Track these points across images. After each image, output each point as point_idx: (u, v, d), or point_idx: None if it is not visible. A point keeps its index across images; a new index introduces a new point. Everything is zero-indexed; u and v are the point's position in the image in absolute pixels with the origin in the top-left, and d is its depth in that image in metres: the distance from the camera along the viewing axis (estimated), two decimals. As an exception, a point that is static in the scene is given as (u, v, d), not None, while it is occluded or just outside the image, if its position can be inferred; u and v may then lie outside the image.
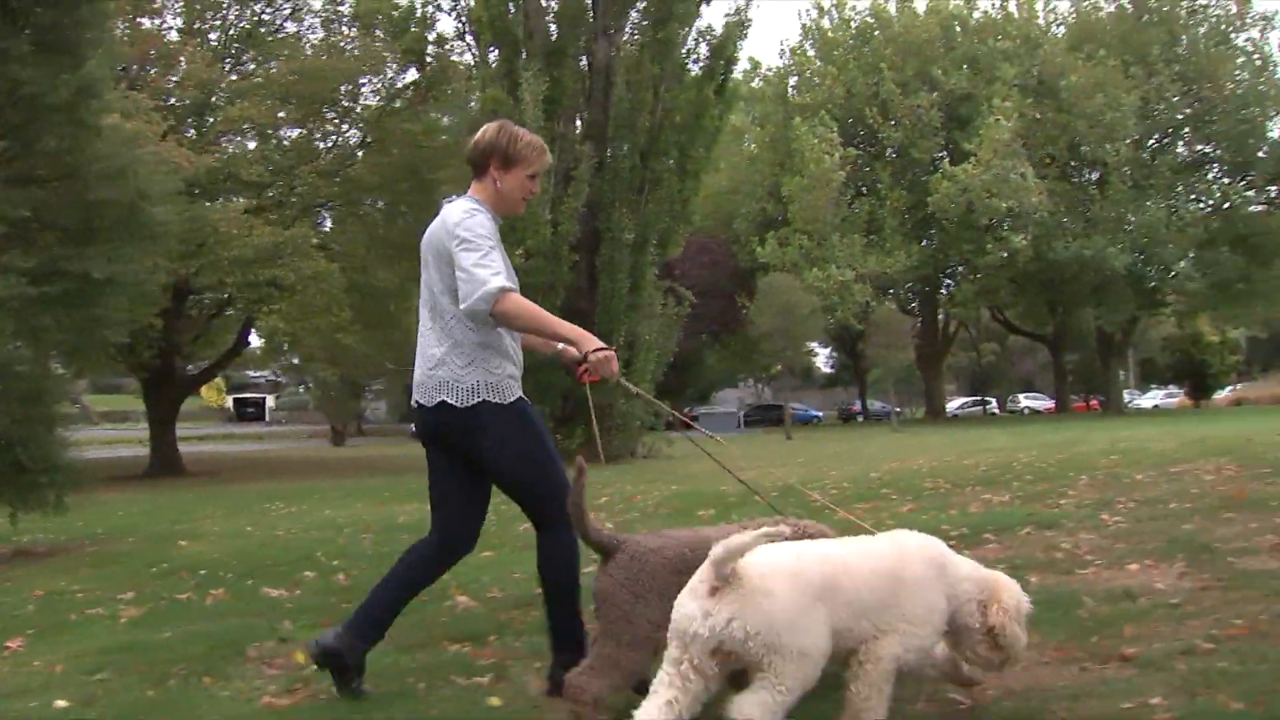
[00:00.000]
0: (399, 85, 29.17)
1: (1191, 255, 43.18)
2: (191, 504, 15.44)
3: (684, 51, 25.60)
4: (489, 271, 3.83)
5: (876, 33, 46.98)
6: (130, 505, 15.51)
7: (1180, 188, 44.30)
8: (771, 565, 3.00)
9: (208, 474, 26.17)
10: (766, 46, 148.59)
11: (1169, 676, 3.47)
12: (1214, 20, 44.98)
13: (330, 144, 28.81)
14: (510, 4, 24.30)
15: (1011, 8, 47.07)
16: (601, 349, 3.89)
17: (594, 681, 3.36)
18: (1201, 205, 44.86)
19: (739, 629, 2.88)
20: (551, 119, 24.08)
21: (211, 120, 25.81)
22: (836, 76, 45.72)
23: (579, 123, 25.50)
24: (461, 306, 3.87)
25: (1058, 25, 48.39)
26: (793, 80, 49.16)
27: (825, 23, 48.97)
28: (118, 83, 22.95)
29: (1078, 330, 51.99)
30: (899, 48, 45.40)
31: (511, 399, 4.00)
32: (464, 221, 3.93)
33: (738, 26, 26.13)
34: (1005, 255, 41.41)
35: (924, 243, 44.59)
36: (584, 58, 25.41)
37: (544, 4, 24.81)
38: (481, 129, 4.24)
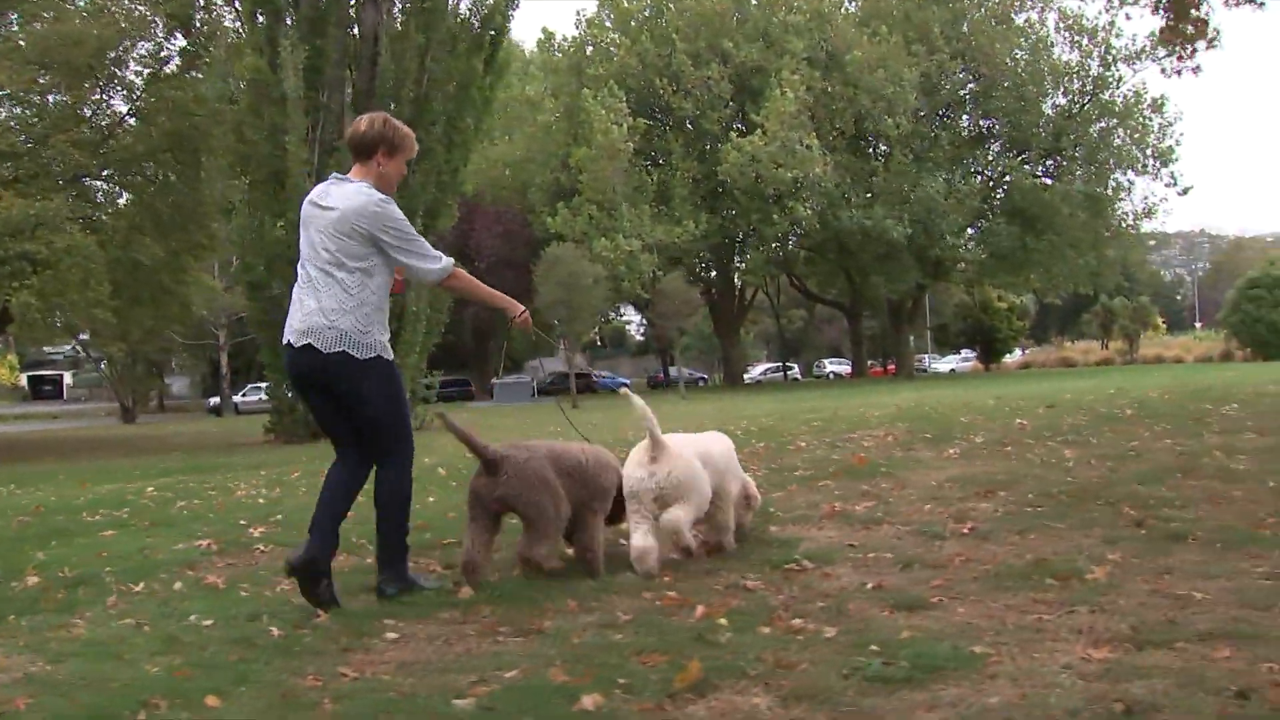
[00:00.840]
0: (165, 52, 28.29)
1: (970, 227, 44.81)
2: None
3: (456, 21, 25.43)
4: (436, 254, 4.84)
5: (670, 4, 47.18)
6: None
7: (961, 161, 46.04)
8: (679, 444, 4.96)
9: None
10: (563, 18, 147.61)
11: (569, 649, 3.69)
12: (994, 2, 46.83)
13: (93, 112, 27.71)
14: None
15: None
16: (523, 311, 5.07)
17: (540, 547, 4.80)
18: (979, 179, 46.76)
19: (671, 480, 4.76)
20: (314, 89, 23.73)
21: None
22: (630, 47, 45.98)
23: (349, 93, 25.17)
24: (427, 279, 4.85)
25: (850, 1, 49.55)
26: (588, 50, 49.08)
27: (621, -7, 49.09)
28: None
29: (872, 298, 53.67)
30: (691, 19, 45.78)
31: (390, 356, 4.82)
32: (388, 212, 4.68)
33: (508, -1, 26.09)
34: (791, 224, 42.37)
35: (715, 213, 45.17)
36: (353, 26, 25.04)
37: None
38: (363, 119, 4.86)
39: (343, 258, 4.64)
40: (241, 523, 7.21)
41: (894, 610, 3.83)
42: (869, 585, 4.20)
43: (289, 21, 23.76)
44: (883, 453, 8.40)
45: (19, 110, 26.70)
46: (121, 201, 30.32)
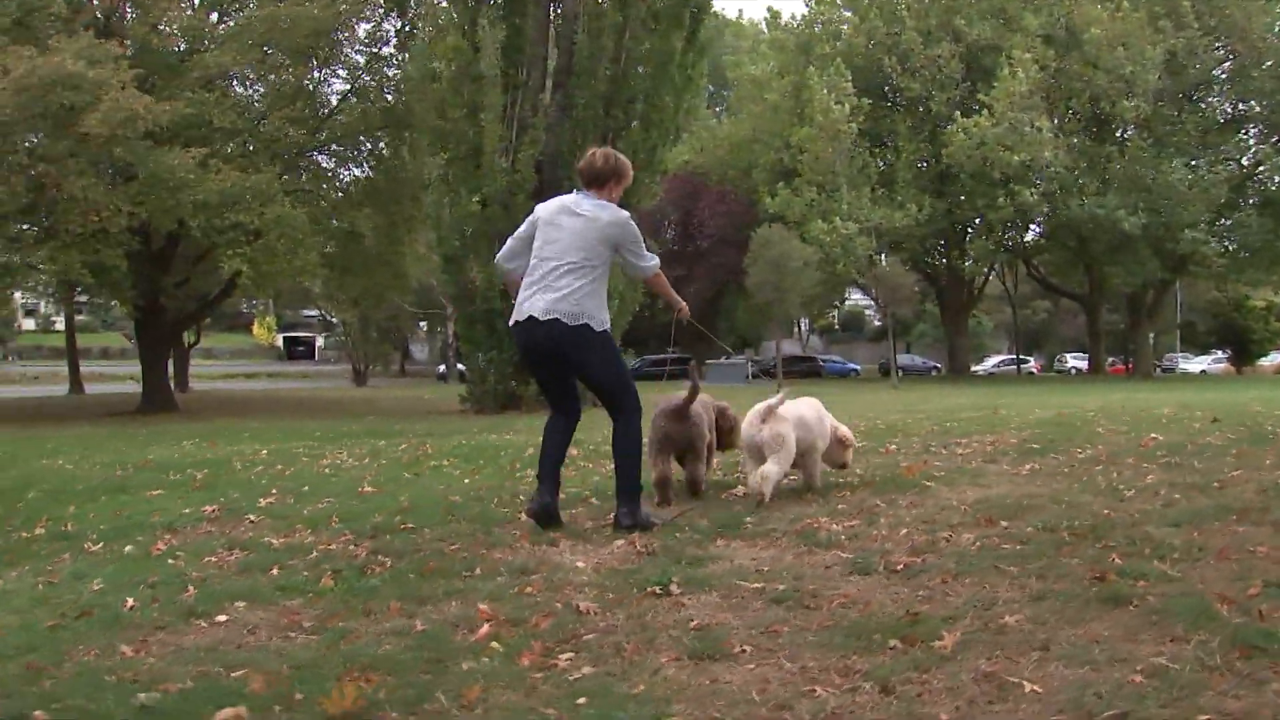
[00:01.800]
0: (381, 32, 29.33)
1: (1207, 219, 41.74)
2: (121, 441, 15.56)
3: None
4: (651, 256, 6.04)
5: (902, -21, 45.79)
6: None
7: (1210, 147, 43.02)
8: (782, 412, 6.23)
9: (194, 412, 26.94)
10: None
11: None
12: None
13: (313, 89, 28.91)
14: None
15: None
16: (682, 307, 6.44)
17: (698, 468, 6.63)
18: (1229, 166, 43.54)
19: (771, 437, 6.11)
20: (514, 66, 24.08)
21: (188, 67, 25.92)
22: (858, 25, 44.96)
23: (549, 71, 25.45)
24: (640, 275, 6.09)
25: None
26: (817, 29, 48.16)
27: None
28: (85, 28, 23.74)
29: (1110, 291, 50.93)
30: (923, -6, 44.46)
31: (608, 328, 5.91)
32: (633, 228, 5.94)
33: (708, -26, 25.83)
34: (1017, 211, 40.55)
35: (941, 197, 43.71)
36: (555, 5, 25.26)
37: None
38: (598, 155, 6.01)
39: (591, 256, 5.77)
40: (273, 491, 7.43)
41: (680, 657, 3.43)
42: (693, 623, 3.79)
43: (491, 1, 24.15)
44: (960, 462, 7.81)
45: (242, 89, 27.89)
46: (345, 175, 31.76)
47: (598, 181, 5.92)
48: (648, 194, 26.23)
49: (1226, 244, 43.55)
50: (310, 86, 28.39)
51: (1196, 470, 7.07)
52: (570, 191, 6.03)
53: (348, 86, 30.17)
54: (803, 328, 78.74)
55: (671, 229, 51.16)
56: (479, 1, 24.30)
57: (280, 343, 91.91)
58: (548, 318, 5.69)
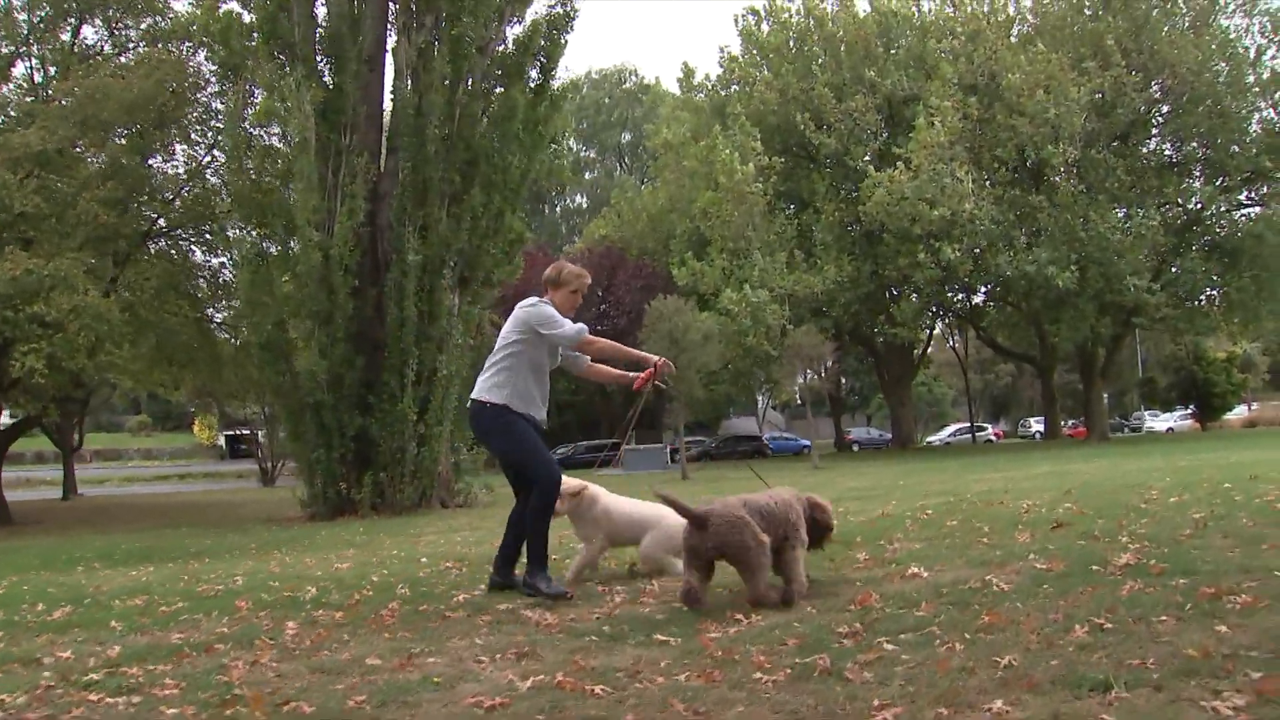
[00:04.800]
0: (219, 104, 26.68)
1: (1149, 268, 39.13)
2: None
3: (497, 51, 22.81)
4: (573, 326, 6.57)
5: (814, 32, 43.58)
6: None
7: (1144, 193, 40.41)
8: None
9: (32, 524, 25.03)
10: (707, 55, 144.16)
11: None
12: (1189, 10, 41.01)
13: (138, 169, 26.22)
14: (283, 7, 21.54)
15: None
16: (661, 360, 6.80)
17: (757, 583, 5.56)
18: (1167, 211, 41.00)
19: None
20: (336, 131, 21.37)
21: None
22: (770, 82, 42.48)
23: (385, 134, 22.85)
24: (565, 341, 6.61)
25: (1016, 23, 44.50)
26: (732, 90, 45.79)
27: (764, 27, 45.63)
28: None
29: (1064, 350, 48.15)
30: (834, 48, 42.12)
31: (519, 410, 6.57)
32: (540, 309, 6.56)
33: (560, 19, 23.30)
34: (940, 269, 37.72)
35: (865, 258, 40.89)
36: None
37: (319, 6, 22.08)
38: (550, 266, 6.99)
39: (506, 343, 6.56)
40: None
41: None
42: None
43: (299, 62, 21.45)
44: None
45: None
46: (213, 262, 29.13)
47: (545, 287, 6.77)
48: (501, 266, 23.53)
49: (1176, 293, 40.74)
50: (130, 165, 25.60)
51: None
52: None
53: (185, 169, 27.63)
54: (760, 404, 75.99)
55: (592, 307, 48.48)
56: (293, 60, 21.64)
57: (223, 441, 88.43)
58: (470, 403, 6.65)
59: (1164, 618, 4.25)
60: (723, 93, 46.24)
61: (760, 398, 71.50)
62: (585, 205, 78.33)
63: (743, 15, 45.62)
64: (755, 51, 45.50)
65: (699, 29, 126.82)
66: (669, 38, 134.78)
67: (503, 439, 6.46)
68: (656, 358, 6.65)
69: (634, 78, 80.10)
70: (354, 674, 4.52)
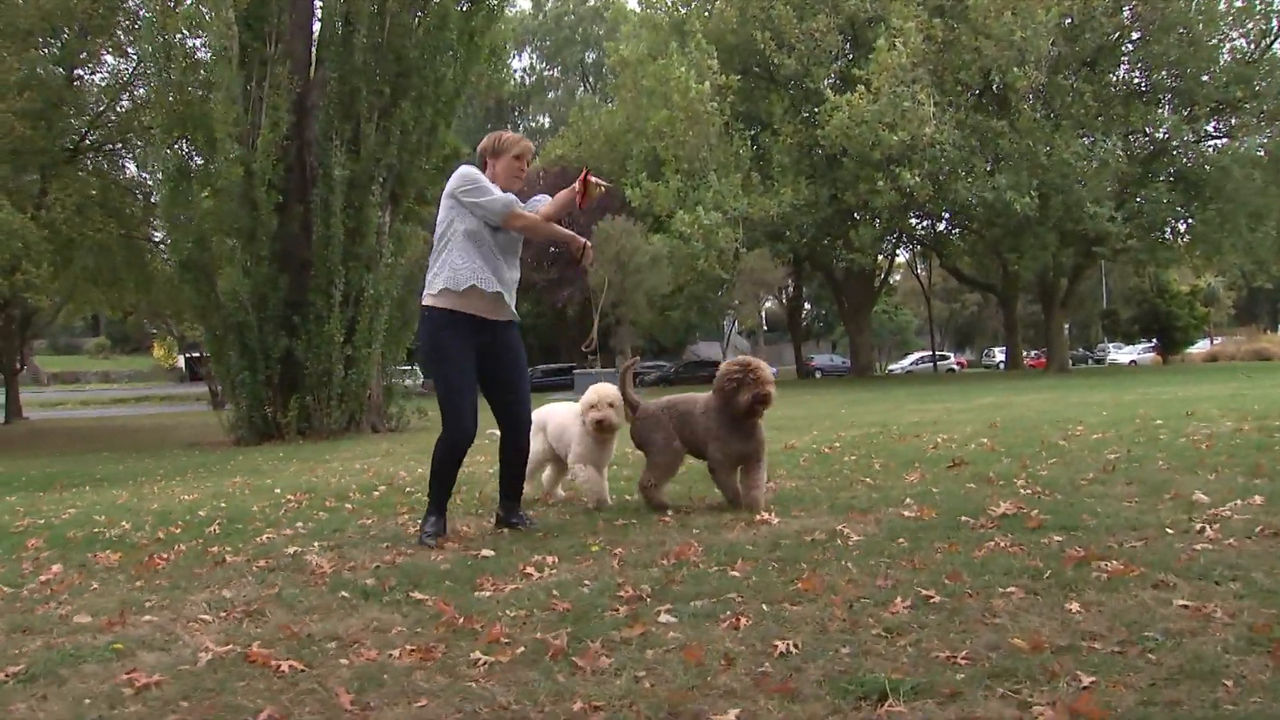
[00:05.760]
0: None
1: (1112, 197, 38.32)
2: None
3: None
4: (501, 197, 5.64)
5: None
6: None
7: (1111, 121, 39.54)
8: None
9: None
10: None
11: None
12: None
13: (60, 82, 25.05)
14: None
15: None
16: (585, 244, 5.89)
17: (651, 477, 6.06)
18: (1132, 139, 40.23)
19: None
20: (260, 39, 20.27)
21: None
22: (731, -1, 41.19)
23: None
24: (497, 218, 5.58)
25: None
26: (691, 6, 44.38)
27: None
28: None
29: (1024, 280, 47.56)
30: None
31: (444, 306, 5.72)
32: (464, 174, 5.63)
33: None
34: (901, 195, 36.81)
35: (823, 182, 39.87)
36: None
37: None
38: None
39: (440, 224, 5.68)
40: None
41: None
42: None
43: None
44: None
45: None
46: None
47: (483, 160, 5.83)
48: (434, 182, 22.54)
49: (1140, 224, 40.01)
50: (50, 76, 24.42)
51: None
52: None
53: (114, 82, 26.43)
54: (726, 329, 75.14)
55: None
56: (213, -38, 20.39)
57: (183, 364, 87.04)
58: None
59: (1011, 589, 3.58)
60: (682, 9, 44.80)
61: (725, 323, 70.87)
62: (547, 125, 76.74)
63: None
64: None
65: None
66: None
67: (430, 365, 5.58)
68: (580, 241, 5.81)
69: (597, -8, 77.98)
70: (50, 634, 3.85)
